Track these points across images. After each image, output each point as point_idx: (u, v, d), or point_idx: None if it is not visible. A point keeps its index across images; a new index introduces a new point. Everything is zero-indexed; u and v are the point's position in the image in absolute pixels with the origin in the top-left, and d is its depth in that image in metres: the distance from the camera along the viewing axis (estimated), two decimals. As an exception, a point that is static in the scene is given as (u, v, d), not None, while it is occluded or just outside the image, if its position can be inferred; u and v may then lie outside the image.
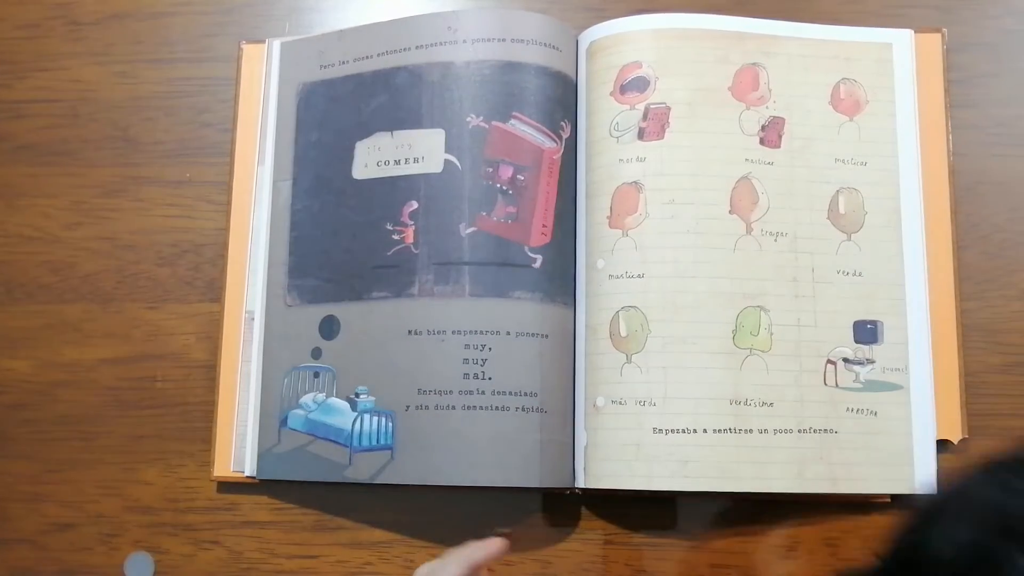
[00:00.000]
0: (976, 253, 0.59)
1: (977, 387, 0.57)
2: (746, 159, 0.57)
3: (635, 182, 0.56)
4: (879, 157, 0.58)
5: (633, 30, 0.58)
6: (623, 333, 0.55)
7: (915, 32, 0.60)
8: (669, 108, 0.57)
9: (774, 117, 0.58)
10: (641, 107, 0.57)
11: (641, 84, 0.57)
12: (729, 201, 0.56)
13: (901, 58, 0.59)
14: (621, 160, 0.56)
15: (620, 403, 0.54)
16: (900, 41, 0.59)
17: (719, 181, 0.56)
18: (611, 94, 0.57)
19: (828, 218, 0.57)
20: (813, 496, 0.55)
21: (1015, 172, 0.60)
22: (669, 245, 0.55)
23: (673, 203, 0.56)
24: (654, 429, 0.54)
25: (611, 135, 0.57)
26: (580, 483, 0.55)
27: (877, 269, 0.56)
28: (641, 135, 0.57)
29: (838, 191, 0.57)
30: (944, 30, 0.60)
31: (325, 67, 0.61)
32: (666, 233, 0.55)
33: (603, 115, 0.57)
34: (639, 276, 0.55)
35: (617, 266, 0.56)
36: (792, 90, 0.58)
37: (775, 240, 0.56)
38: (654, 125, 0.57)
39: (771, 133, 0.57)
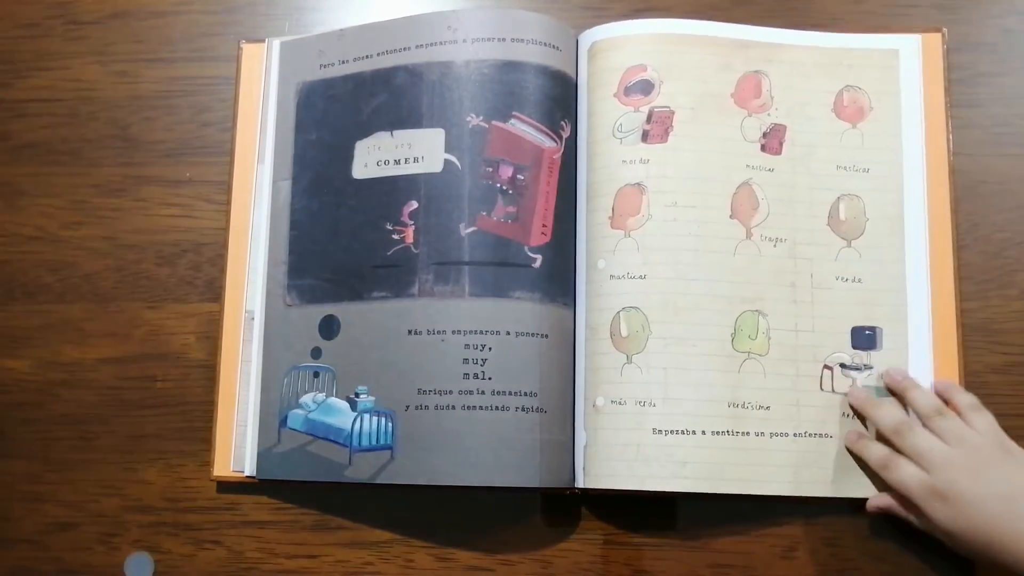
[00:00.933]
0: (976, 253, 0.59)
1: (977, 387, 0.56)
2: (747, 165, 0.57)
3: (638, 183, 0.56)
4: (882, 164, 0.58)
5: (636, 33, 0.58)
6: (624, 333, 0.55)
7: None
8: (673, 112, 0.57)
9: (775, 124, 0.57)
10: (645, 110, 0.57)
11: (646, 87, 0.57)
12: (730, 206, 0.56)
13: (908, 65, 0.59)
14: (624, 161, 0.56)
15: (620, 403, 0.54)
16: (907, 47, 0.59)
17: (720, 186, 0.56)
18: (614, 95, 0.57)
19: (828, 225, 0.57)
20: (811, 497, 0.55)
21: (1016, 172, 0.60)
22: (671, 247, 0.55)
23: (675, 206, 0.56)
24: (654, 430, 0.54)
25: (614, 136, 0.57)
26: (580, 483, 0.55)
27: (877, 275, 0.56)
28: (645, 137, 0.56)
29: (839, 198, 0.57)
30: (944, 30, 0.60)
31: (325, 67, 0.60)
32: (668, 235, 0.55)
33: (605, 116, 0.57)
34: (641, 277, 0.55)
35: (618, 266, 0.55)
36: (794, 97, 0.58)
37: (774, 246, 0.56)
38: (658, 128, 0.56)
39: (772, 140, 0.57)
